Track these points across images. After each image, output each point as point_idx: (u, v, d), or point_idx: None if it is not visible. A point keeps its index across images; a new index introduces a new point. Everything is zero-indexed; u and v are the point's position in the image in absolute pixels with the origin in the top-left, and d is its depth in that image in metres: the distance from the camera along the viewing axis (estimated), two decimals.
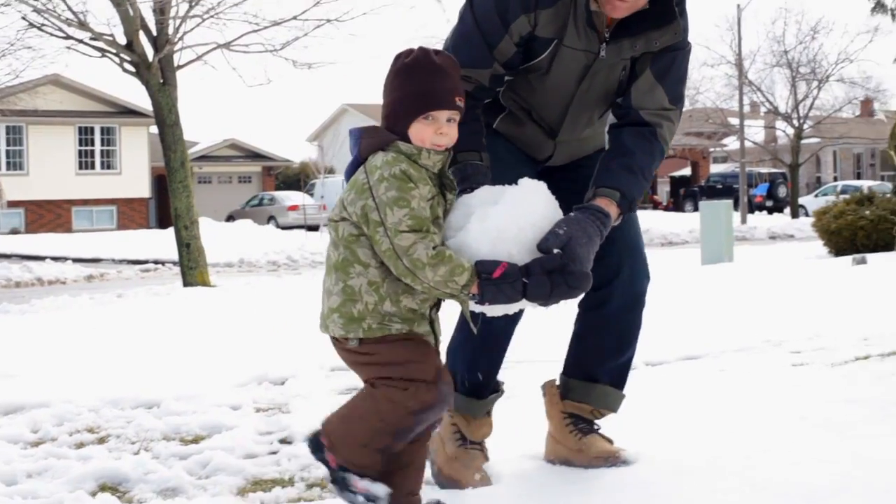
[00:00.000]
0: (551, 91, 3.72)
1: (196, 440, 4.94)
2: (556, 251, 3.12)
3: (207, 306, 12.30)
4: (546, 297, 3.09)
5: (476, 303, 3.09)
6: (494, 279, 3.03)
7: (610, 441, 3.88)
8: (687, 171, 59.02)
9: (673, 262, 18.80)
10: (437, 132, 3.14)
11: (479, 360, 3.86)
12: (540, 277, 3.07)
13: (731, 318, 8.46)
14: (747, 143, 42.65)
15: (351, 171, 3.18)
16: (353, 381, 6.36)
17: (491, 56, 3.58)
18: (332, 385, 6.24)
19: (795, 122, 42.23)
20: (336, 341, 3.21)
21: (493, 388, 3.93)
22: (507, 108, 3.81)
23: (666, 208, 51.14)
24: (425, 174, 3.10)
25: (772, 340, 7.16)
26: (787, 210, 43.94)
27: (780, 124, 45.30)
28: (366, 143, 3.15)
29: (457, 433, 3.89)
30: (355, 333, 3.12)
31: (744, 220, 36.82)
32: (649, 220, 36.21)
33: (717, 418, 4.56)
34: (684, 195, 52.94)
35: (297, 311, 10.10)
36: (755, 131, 48.28)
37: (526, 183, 3.25)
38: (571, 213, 3.31)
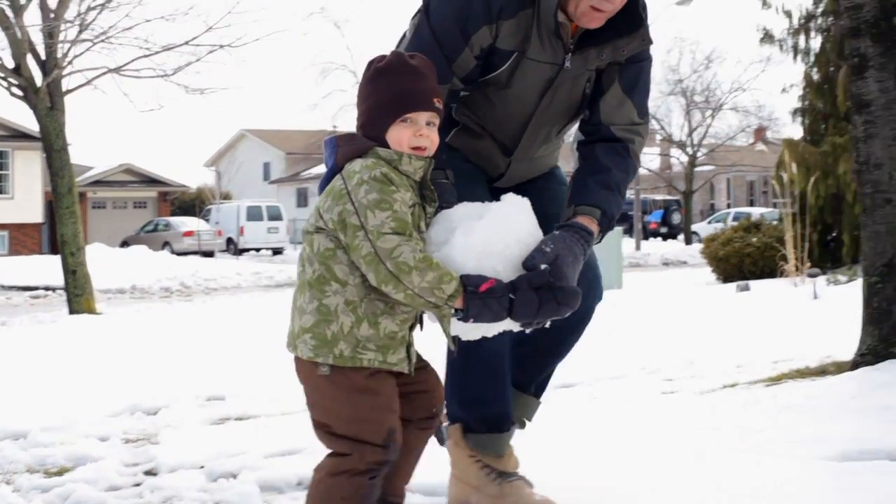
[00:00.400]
0: (512, 105, 3.57)
1: (60, 472, 4.84)
2: (543, 267, 2.98)
3: (90, 334, 12.09)
4: (533, 315, 2.93)
5: (458, 319, 2.91)
6: (481, 293, 2.87)
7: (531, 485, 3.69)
8: None
9: None
10: (416, 134, 3.01)
11: (487, 393, 3.66)
12: (528, 294, 2.92)
13: (610, 346, 8.53)
14: (643, 171, 43.22)
15: (325, 183, 3.04)
16: (228, 411, 6.32)
17: (450, 71, 3.39)
18: (205, 415, 6.18)
19: (689, 150, 42.98)
20: (301, 363, 3.00)
21: (510, 419, 3.72)
22: (460, 123, 3.65)
23: None
24: (406, 181, 2.97)
25: (647, 368, 7.26)
26: (682, 237, 44.63)
27: (675, 152, 46.06)
28: (343, 151, 3.01)
29: (491, 472, 3.65)
30: (325, 359, 2.92)
31: (638, 247, 37.33)
32: None
33: (583, 447, 4.59)
34: None
35: (179, 339, 9.99)
36: (650, 158, 49.04)
37: (510, 198, 3.11)
38: (556, 231, 3.19)
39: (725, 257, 18.56)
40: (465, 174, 3.53)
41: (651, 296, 14.96)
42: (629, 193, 46.89)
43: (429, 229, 3.08)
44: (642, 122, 3.60)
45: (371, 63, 3.11)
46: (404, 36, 3.58)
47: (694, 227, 43.78)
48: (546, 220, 3.21)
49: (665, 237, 49.09)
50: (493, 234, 3.00)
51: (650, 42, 3.51)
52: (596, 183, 3.43)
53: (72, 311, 16.95)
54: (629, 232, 41.36)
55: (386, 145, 3.01)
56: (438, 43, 3.38)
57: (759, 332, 9.08)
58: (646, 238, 45.80)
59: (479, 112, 3.63)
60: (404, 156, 2.99)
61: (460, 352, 3.18)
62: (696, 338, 8.94)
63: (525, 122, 3.61)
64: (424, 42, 3.40)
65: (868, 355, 5.35)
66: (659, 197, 52.69)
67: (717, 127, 45.24)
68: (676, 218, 49.13)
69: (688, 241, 41.32)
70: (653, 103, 34.64)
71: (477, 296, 2.87)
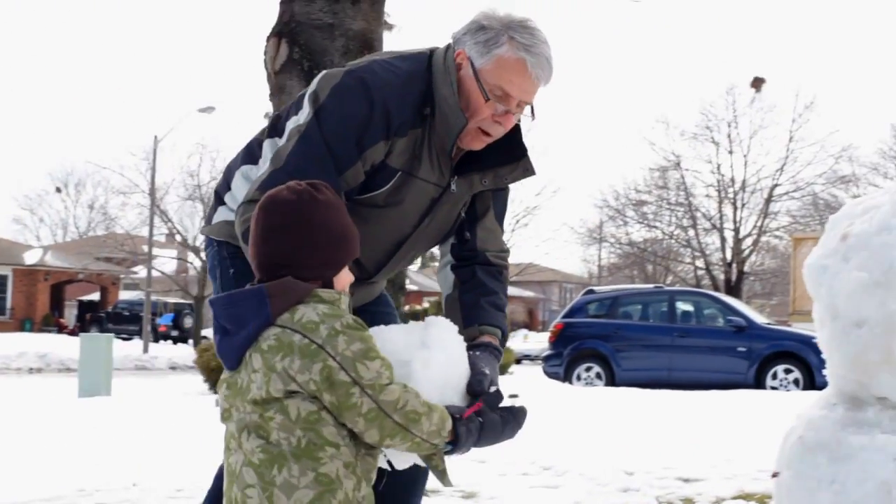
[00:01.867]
0: (390, 223, 3.33)
1: None
2: (493, 389, 2.90)
3: None
4: (499, 436, 2.87)
5: (445, 453, 2.76)
6: (465, 420, 2.76)
7: None
8: (96, 296, 58.11)
9: (49, 392, 18.34)
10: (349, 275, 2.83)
11: None
12: (493, 416, 2.84)
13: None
14: (156, 273, 42.92)
15: (244, 342, 2.66)
16: None
17: (340, 185, 3.08)
18: None
19: (203, 255, 43.14)
20: None
21: None
22: None
23: (72, 332, 49.93)
24: None
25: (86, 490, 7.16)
26: (192, 341, 44.49)
27: (191, 256, 46.08)
28: (279, 301, 2.65)
29: None
30: None
31: (146, 350, 36.81)
32: (51, 344, 35.20)
33: None
34: (90, 320, 52.06)
35: None
36: (164, 262, 48.74)
37: (441, 322, 2.98)
38: (477, 353, 3.09)
39: (218, 367, 18.63)
40: None
41: (138, 404, 14.78)
42: (141, 294, 46.44)
43: None
44: (507, 251, 3.57)
45: (304, 193, 2.75)
46: (272, 132, 3.30)
47: (206, 332, 43.81)
48: None
49: (175, 340, 48.74)
50: (447, 364, 2.89)
51: (533, 172, 3.41)
52: (490, 305, 3.38)
53: None
54: (138, 334, 40.72)
55: (328, 286, 2.75)
56: (331, 153, 3.09)
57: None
58: (156, 340, 45.30)
59: None
60: (343, 295, 2.76)
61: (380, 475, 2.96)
62: (171, 453, 8.91)
63: (400, 241, 3.41)
64: (317, 150, 3.09)
65: None
66: (171, 300, 52.38)
67: None
68: (188, 322, 48.94)
69: (198, 346, 41.25)
70: (170, 207, 34.38)
71: (462, 423, 2.75)
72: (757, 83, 43.43)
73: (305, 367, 2.57)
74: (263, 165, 3.20)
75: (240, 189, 3.27)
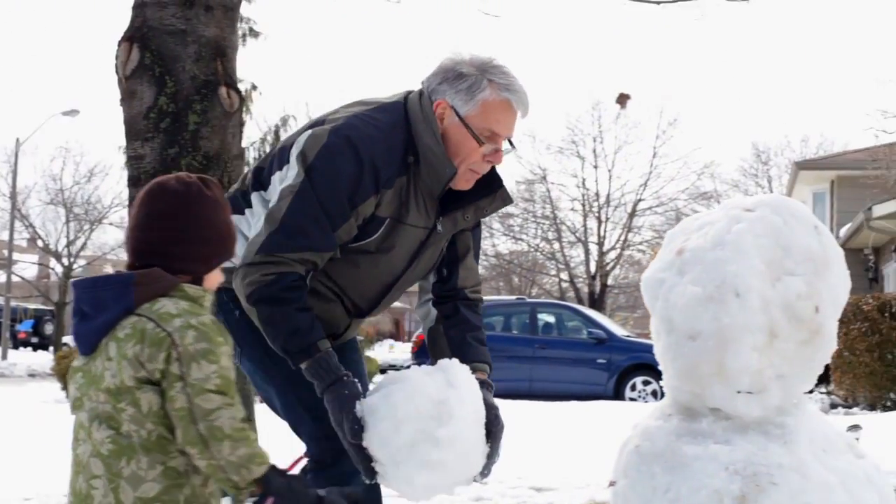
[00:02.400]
0: (381, 267, 3.44)
1: None
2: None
3: None
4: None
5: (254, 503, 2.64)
6: (286, 471, 2.68)
7: None
8: None
9: None
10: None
11: None
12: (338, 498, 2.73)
13: None
14: (16, 279, 41.83)
15: (102, 327, 2.64)
16: None
17: (335, 240, 3.25)
18: None
19: (66, 261, 42.20)
20: None
21: None
22: (310, 287, 3.37)
23: None
24: None
25: None
26: (52, 348, 43.49)
27: (53, 262, 45.06)
28: (143, 291, 2.63)
29: None
30: None
31: (5, 356, 35.89)
32: None
33: None
34: None
35: None
36: (24, 267, 47.57)
37: (456, 363, 3.21)
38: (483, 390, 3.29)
39: None
40: None
41: None
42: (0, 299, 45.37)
43: (385, 399, 3.07)
44: (480, 283, 3.75)
45: (188, 185, 2.75)
46: (256, 185, 3.42)
47: (67, 339, 42.85)
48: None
49: (35, 347, 47.56)
50: (474, 401, 3.14)
51: (511, 200, 3.58)
52: (475, 340, 3.55)
53: None
54: None
55: (197, 283, 2.74)
56: (325, 212, 3.20)
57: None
58: (15, 347, 44.15)
59: (338, 277, 3.43)
60: (208, 293, 2.74)
61: None
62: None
63: (391, 283, 3.51)
64: (309, 209, 3.19)
65: None
66: (32, 306, 51.09)
67: (100, 240, 45.00)
68: (49, 328, 47.78)
69: (57, 353, 40.33)
70: (33, 211, 33.51)
71: (280, 474, 2.64)
72: (622, 99, 44.13)
73: (153, 355, 2.56)
74: (255, 222, 3.30)
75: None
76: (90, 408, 2.64)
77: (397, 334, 60.46)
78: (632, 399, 18.53)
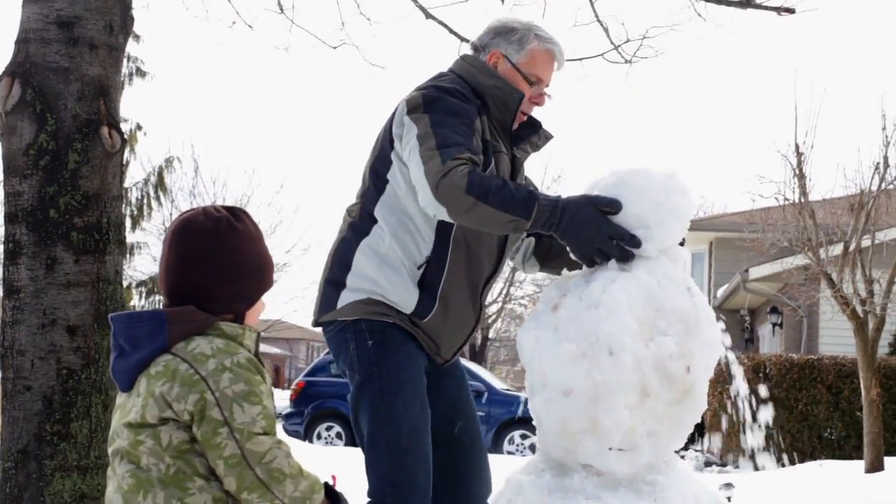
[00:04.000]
0: (486, 239, 3.62)
1: None
2: None
3: None
4: None
5: None
6: (333, 487, 2.68)
7: None
8: None
9: None
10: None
11: None
12: None
13: None
14: None
15: (137, 365, 2.58)
16: None
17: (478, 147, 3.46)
18: None
19: None
20: None
21: None
22: (448, 259, 3.50)
23: None
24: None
25: None
26: None
27: None
28: (177, 329, 2.56)
29: None
30: None
31: None
32: None
33: None
34: None
35: None
36: None
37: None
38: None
39: None
40: (413, 362, 3.50)
41: None
42: None
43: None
44: None
45: (217, 221, 2.66)
46: (377, 183, 3.54)
47: None
48: (462, 415, 4.00)
49: None
50: None
51: (552, 136, 3.83)
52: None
53: None
54: None
55: (238, 320, 2.67)
56: (458, 124, 3.39)
57: None
58: None
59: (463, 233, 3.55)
60: (247, 330, 2.65)
61: None
62: None
63: (500, 252, 3.69)
64: (447, 126, 3.36)
65: None
66: None
67: None
68: None
69: None
70: None
71: (335, 492, 2.69)
72: None
73: (183, 395, 2.50)
74: (417, 173, 3.34)
75: (366, 263, 3.48)
76: (117, 444, 2.61)
77: (277, 381, 59.96)
78: (510, 452, 18.62)
